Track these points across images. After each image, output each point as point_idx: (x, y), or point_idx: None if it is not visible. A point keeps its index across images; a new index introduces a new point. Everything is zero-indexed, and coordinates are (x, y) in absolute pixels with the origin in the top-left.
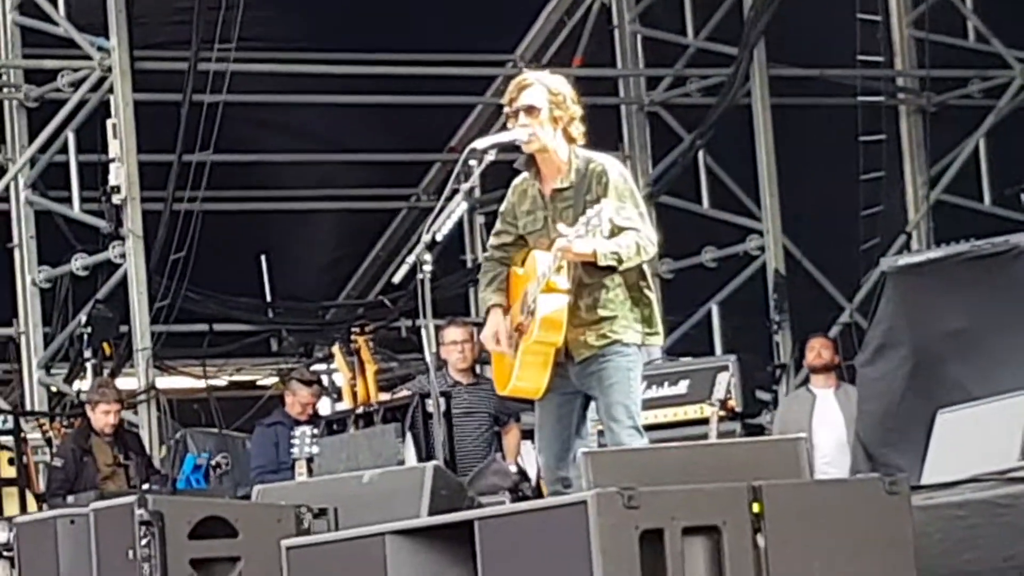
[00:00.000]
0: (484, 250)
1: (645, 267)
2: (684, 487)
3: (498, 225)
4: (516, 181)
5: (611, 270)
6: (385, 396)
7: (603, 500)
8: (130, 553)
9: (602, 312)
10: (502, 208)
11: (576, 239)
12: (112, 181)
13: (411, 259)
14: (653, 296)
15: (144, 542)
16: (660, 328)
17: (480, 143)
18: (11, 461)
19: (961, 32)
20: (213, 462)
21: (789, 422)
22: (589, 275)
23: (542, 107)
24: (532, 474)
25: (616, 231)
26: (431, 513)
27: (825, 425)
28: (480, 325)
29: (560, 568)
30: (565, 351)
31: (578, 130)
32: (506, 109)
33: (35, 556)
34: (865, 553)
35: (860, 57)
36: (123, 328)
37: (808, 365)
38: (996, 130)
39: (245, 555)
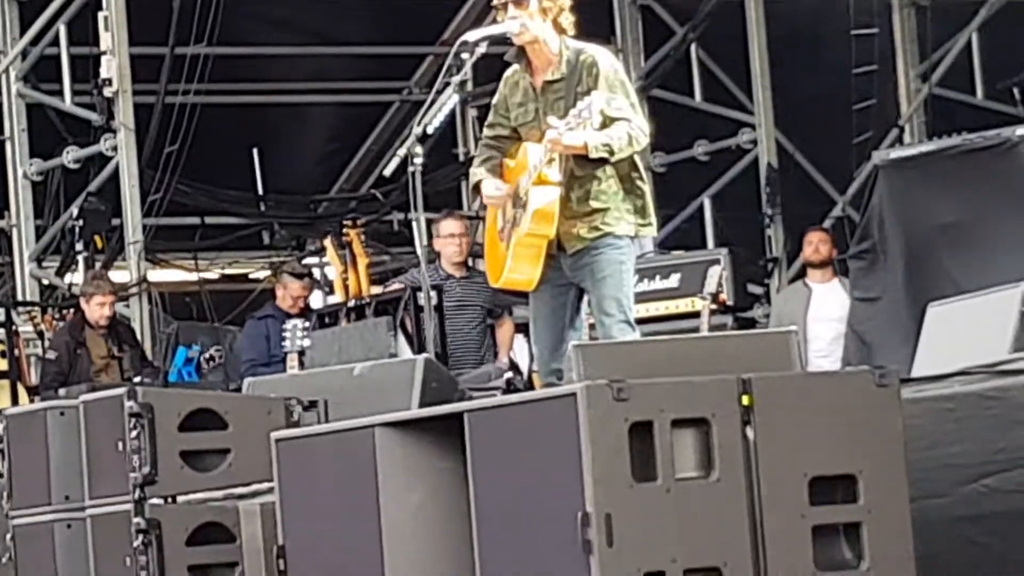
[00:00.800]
0: (476, 143)
1: (637, 158)
2: (674, 379)
3: (491, 117)
4: (507, 73)
5: (603, 162)
6: (377, 289)
7: (593, 392)
8: (119, 445)
9: (594, 204)
10: (494, 100)
11: (567, 131)
12: (104, 74)
13: (402, 152)
14: (645, 187)
15: (134, 434)
16: (653, 219)
17: (471, 36)
18: (3, 354)
19: None
20: (206, 355)
21: (785, 316)
22: (581, 167)
23: None
24: (524, 367)
25: (608, 122)
26: (422, 405)
27: (821, 319)
28: (474, 218)
29: (550, 459)
30: (557, 243)
31: (568, 20)
32: (495, 1)
33: (24, 448)
34: (854, 445)
35: None
36: (115, 221)
37: (806, 259)
38: (989, 24)
39: (235, 447)
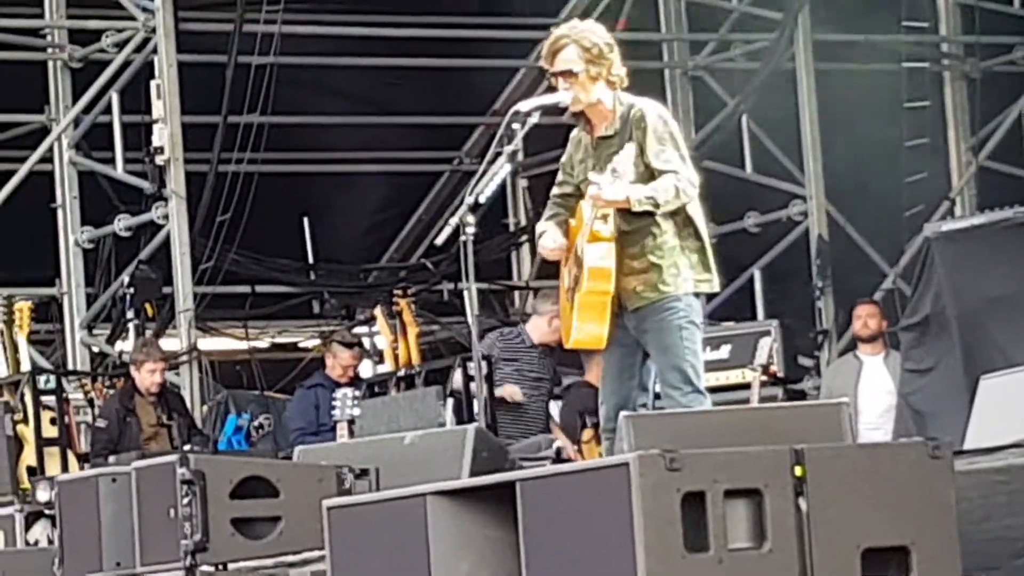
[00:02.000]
0: (526, 214)
1: (692, 211)
2: (726, 450)
3: (559, 176)
4: (574, 132)
5: (648, 215)
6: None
7: (645, 462)
8: (171, 512)
9: (650, 259)
10: (562, 159)
11: (606, 186)
12: (156, 142)
13: (454, 221)
14: (705, 239)
15: (185, 501)
16: (714, 274)
17: (523, 105)
18: (53, 421)
19: None
20: (255, 423)
21: (835, 389)
22: (627, 222)
23: (579, 70)
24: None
25: (656, 175)
26: (472, 475)
27: (871, 392)
28: None
29: (602, 529)
30: (618, 301)
31: (618, 73)
32: (548, 72)
33: (76, 514)
34: (907, 517)
35: (905, 23)
36: (166, 289)
37: (855, 334)
38: None
39: (286, 515)
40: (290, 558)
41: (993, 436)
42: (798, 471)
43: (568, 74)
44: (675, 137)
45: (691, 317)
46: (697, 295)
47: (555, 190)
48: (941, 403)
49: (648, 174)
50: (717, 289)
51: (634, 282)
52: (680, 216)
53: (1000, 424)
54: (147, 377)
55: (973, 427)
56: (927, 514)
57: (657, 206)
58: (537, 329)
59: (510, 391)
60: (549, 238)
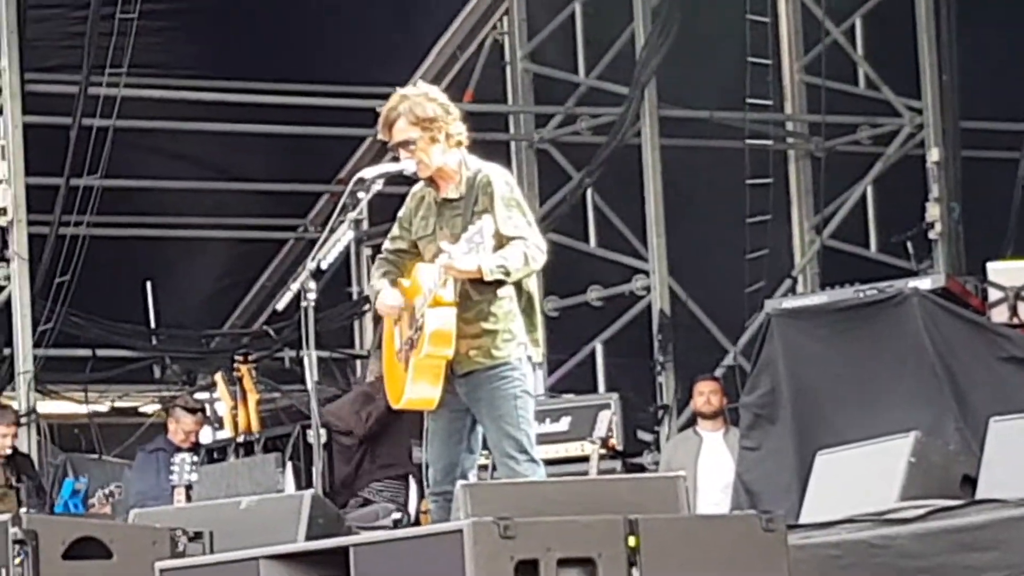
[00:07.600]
0: (369, 282)
1: (530, 279)
2: (560, 518)
3: (394, 230)
4: (415, 188)
5: (499, 284)
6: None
7: (479, 529)
8: (3, 571)
9: (484, 325)
10: (400, 213)
11: (460, 256)
12: None
13: (295, 286)
14: (537, 306)
15: (17, 561)
16: (541, 343)
17: (367, 173)
18: None
19: (852, 79)
20: (107, 491)
21: (675, 464)
22: (477, 290)
23: (415, 137)
24: (411, 507)
25: (504, 241)
26: (308, 539)
27: (712, 468)
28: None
29: None
30: (449, 365)
31: (458, 130)
32: (388, 144)
33: None
34: None
35: (749, 100)
36: (5, 350)
37: (696, 410)
38: (884, 177)
39: None
40: None
41: (828, 511)
42: (631, 541)
43: (405, 144)
44: (521, 203)
45: (525, 385)
46: (529, 362)
47: (388, 244)
48: (775, 482)
49: (497, 240)
50: (540, 359)
51: (466, 346)
52: (520, 282)
53: (835, 499)
54: None
55: (808, 502)
56: None
57: (508, 274)
58: None
59: None
60: (390, 296)
